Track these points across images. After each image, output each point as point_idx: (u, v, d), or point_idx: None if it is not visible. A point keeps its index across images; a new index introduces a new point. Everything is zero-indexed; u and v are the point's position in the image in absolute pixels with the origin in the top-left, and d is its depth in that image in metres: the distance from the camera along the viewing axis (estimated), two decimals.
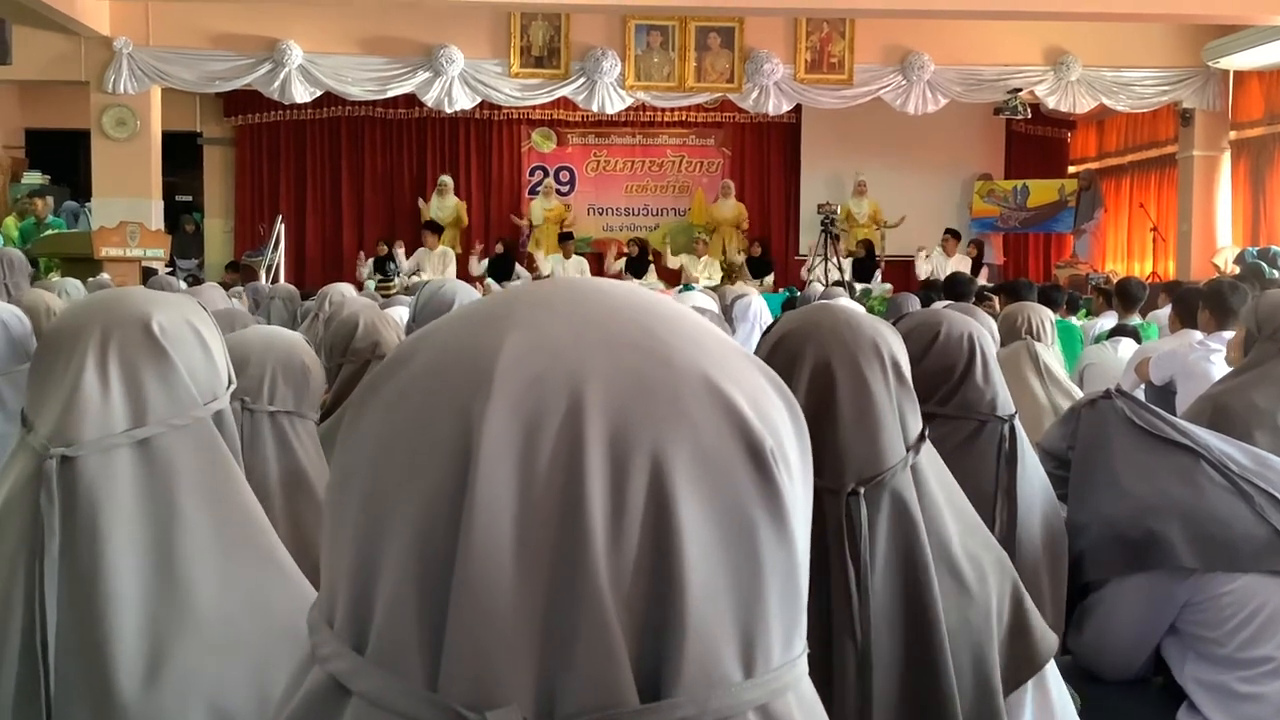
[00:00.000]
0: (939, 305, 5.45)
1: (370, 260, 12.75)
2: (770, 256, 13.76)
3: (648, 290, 0.64)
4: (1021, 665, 1.41)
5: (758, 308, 6.31)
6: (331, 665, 0.58)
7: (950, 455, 1.58)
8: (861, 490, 1.33)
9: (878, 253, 13.37)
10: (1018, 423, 2.10)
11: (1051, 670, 1.46)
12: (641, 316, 0.60)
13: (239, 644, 1.30)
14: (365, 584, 0.58)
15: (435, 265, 12.21)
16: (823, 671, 1.31)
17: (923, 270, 12.70)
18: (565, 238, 13.28)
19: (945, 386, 2.04)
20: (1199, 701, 2.21)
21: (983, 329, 2.13)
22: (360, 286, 10.59)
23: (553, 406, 0.55)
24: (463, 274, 11.90)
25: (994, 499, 2.03)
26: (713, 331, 0.62)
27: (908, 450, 1.38)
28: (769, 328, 1.54)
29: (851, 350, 1.39)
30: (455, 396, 0.57)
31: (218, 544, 1.34)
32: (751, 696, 0.56)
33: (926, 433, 1.42)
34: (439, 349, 0.60)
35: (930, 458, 1.43)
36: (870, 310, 6.94)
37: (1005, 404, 2.08)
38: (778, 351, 1.43)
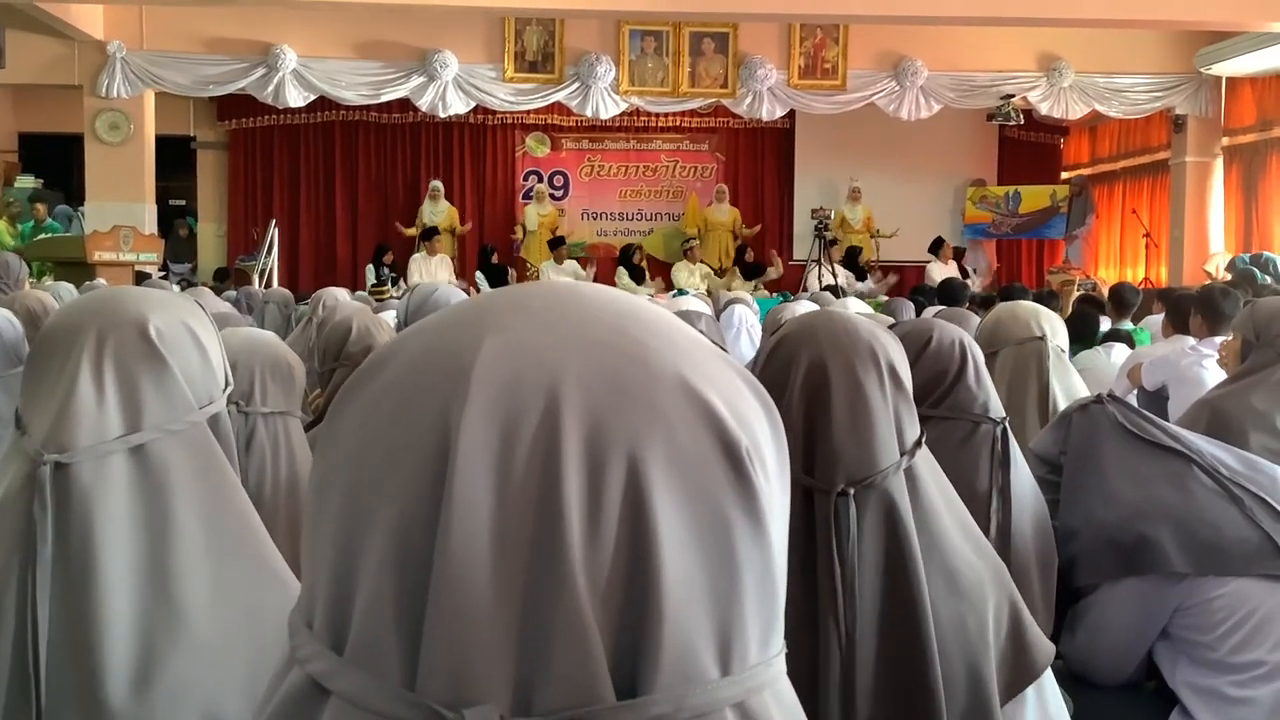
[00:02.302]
0: (931, 311, 5.46)
1: (369, 266, 12.77)
2: (764, 262, 13.76)
3: (624, 292, 0.65)
4: (1019, 673, 1.42)
5: (741, 313, 6.30)
6: (310, 666, 0.58)
7: (945, 457, 1.59)
8: (851, 491, 1.34)
9: (872, 259, 13.39)
10: (1008, 426, 2.12)
11: (1048, 677, 1.46)
12: (617, 318, 0.60)
13: (232, 653, 1.30)
14: (344, 585, 0.58)
15: (433, 273, 12.19)
16: (808, 671, 1.31)
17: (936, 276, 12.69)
18: (557, 243, 13.27)
19: (938, 391, 2.07)
20: (1191, 706, 2.22)
21: (970, 337, 2.16)
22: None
23: (529, 408, 0.56)
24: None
25: (989, 499, 2.06)
26: (688, 333, 0.62)
27: (902, 454, 1.38)
28: (772, 330, 1.55)
29: (847, 353, 1.40)
30: (432, 399, 0.57)
31: (211, 552, 1.33)
32: (728, 694, 0.56)
33: (923, 439, 1.42)
34: (416, 352, 0.60)
35: (928, 464, 1.43)
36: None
37: (996, 407, 2.11)
38: (775, 354, 1.44)
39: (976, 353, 2.12)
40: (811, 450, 1.36)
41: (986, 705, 1.36)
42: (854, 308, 5.32)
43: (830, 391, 1.38)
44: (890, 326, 2.22)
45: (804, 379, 1.39)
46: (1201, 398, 3.30)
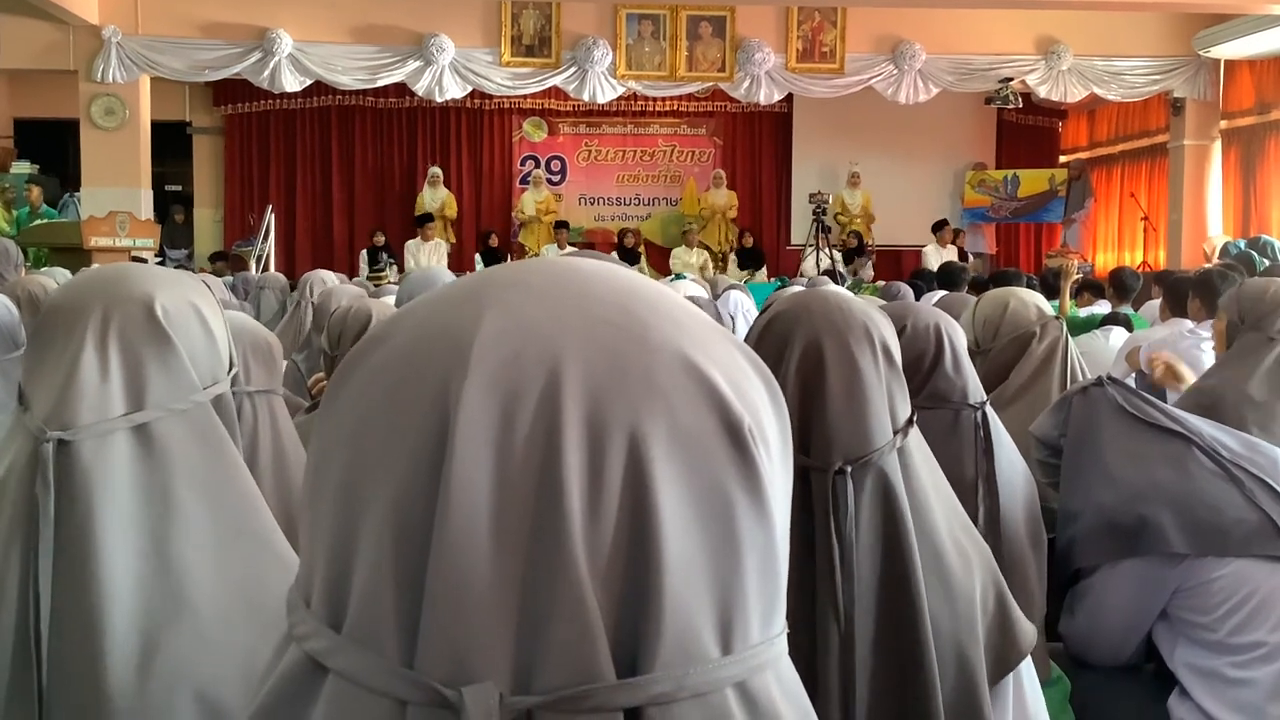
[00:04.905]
0: (934, 297, 5.46)
1: (364, 251, 12.77)
2: (762, 247, 13.76)
3: (624, 269, 0.64)
4: (1007, 654, 1.42)
5: (737, 299, 6.33)
6: (308, 644, 0.58)
7: (931, 445, 1.59)
8: (848, 469, 1.34)
9: (869, 243, 13.38)
10: (990, 409, 2.11)
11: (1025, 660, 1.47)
12: (618, 295, 0.59)
13: (232, 634, 1.29)
14: (342, 562, 0.57)
15: (429, 258, 12.18)
16: (806, 649, 1.31)
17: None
18: (561, 226, 13.25)
19: (916, 378, 2.04)
20: (1190, 687, 2.22)
21: (952, 320, 2.12)
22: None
23: (530, 385, 0.55)
24: (457, 268, 11.87)
25: (975, 485, 2.05)
26: (691, 310, 0.61)
27: (895, 433, 1.38)
28: (762, 310, 1.54)
29: (842, 332, 1.40)
30: (432, 375, 0.56)
31: (214, 533, 1.32)
32: (729, 673, 0.56)
33: (915, 417, 1.42)
34: (415, 329, 0.60)
35: (918, 444, 1.43)
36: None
37: (976, 391, 2.09)
38: (769, 333, 1.44)
39: (955, 336, 2.09)
40: (807, 429, 1.36)
41: (974, 686, 1.36)
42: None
43: (826, 370, 1.38)
44: None
45: (799, 358, 1.39)
46: (1193, 387, 3.27)
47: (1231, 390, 3.04)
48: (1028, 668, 1.47)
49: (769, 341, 1.42)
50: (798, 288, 5.97)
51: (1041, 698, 1.49)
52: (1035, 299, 3.16)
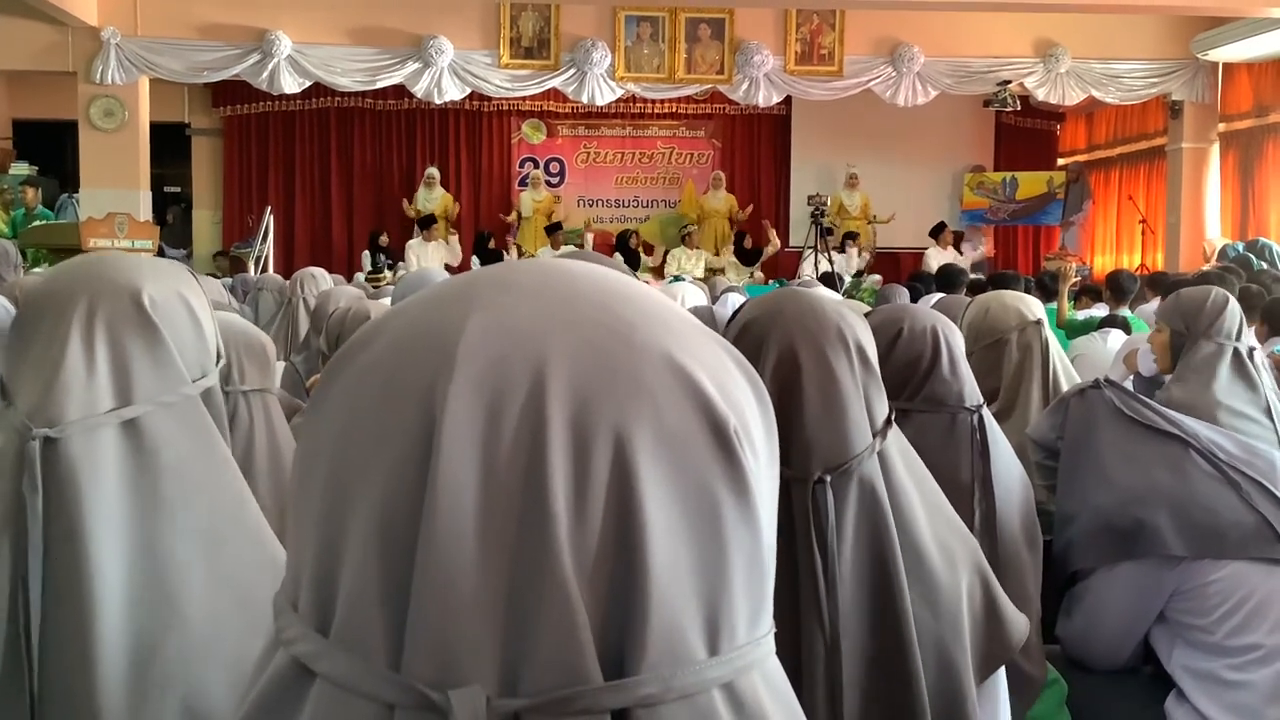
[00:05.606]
0: (932, 297, 5.46)
1: (365, 252, 12.78)
2: (762, 247, 13.75)
3: (611, 270, 0.64)
4: (996, 651, 1.41)
5: (735, 301, 6.35)
6: (295, 648, 0.58)
7: (929, 450, 1.57)
8: (828, 479, 1.32)
9: (866, 245, 13.38)
10: (986, 411, 2.11)
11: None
12: (604, 296, 0.59)
13: (222, 640, 1.27)
14: (329, 565, 0.57)
15: (429, 259, 12.15)
16: (792, 659, 1.30)
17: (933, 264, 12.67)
18: (553, 229, 13.24)
19: (912, 381, 2.03)
20: (1187, 689, 2.22)
21: (949, 323, 2.12)
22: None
23: (515, 386, 0.55)
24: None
25: (972, 488, 2.04)
26: (676, 311, 0.61)
27: (874, 437, 1.37)
28: (734, 314, 1.53)
29: (816, 337, 1.38)
30: (418, 377, 0.56)
31: (204, 530, 1.30)
32: (716, 674, 0.56)
33: (893, 418, 1.41)
34: (402, 330, 0.60)
35: (898, 444, 1.42)
36: (860, 300, 6.95)
37: (973, 394, 2.08)
38: (742, 338, 1.42)
39: (952, 339, 2.08)
40: (785, 439, 1.35)
41: (958, 686, 1.36)
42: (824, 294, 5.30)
43: (802, 378, 1.36)
44: (865, 315, 2.20)
45: (774, 365, 1.37)
46: (1161, 402, 3.24)
47: (1201, 400, 3.04)
48: (1001, 676, 1.46)
49: (743, 347, 1.40)
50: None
51: (1007, 707, 1.48)
52: (1020, 303, 3.14)
